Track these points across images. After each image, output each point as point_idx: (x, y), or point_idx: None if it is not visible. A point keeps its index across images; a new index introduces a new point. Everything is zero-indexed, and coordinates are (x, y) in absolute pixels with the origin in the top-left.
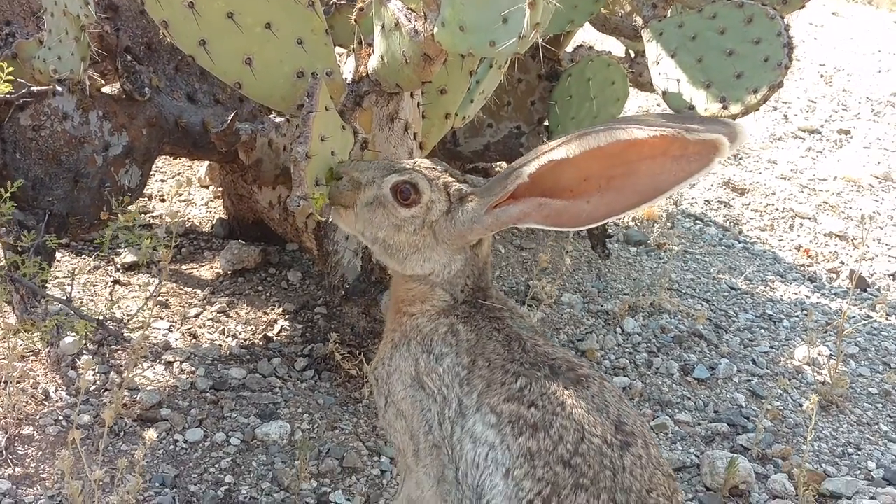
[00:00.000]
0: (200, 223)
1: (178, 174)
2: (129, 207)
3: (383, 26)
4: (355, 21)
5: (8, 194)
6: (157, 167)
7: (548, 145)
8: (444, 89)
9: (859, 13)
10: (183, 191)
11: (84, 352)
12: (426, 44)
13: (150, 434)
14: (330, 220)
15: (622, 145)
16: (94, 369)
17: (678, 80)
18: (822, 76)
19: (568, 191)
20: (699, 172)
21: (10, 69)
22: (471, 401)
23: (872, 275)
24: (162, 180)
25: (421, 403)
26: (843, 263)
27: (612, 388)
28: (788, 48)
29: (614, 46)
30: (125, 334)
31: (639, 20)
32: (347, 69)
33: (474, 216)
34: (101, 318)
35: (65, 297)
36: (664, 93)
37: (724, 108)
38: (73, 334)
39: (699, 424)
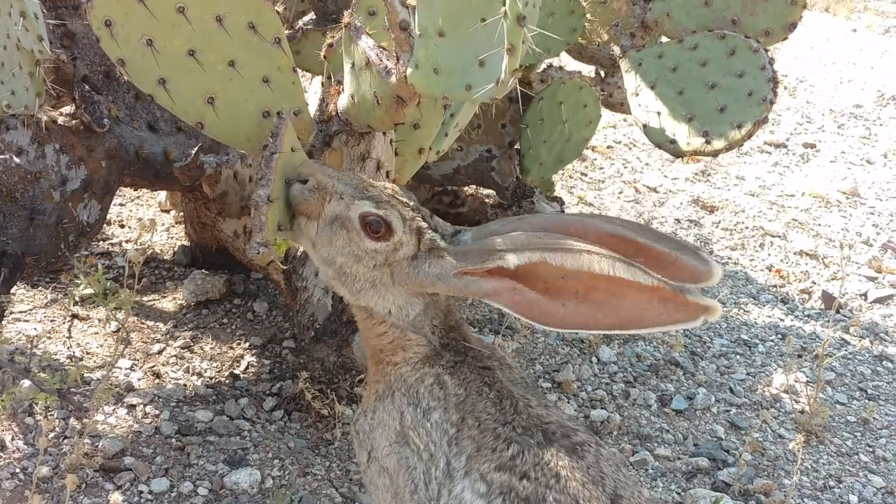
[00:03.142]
0: (161, 250)
1: (138, 198)
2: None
3: (353, 64)
4: (324, 58)
5: None
6: (116, 192)
7: (544, 239)
8: (418, 124)
9: (817, 21)
10: (146, 232)
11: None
12: (399, 86)
13: (116, 497)
14: (292, 260)
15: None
16: (52, 414)
17: (658, 113)
18: (785, 87)
19: (541, 282)
20: (682, 324)
21: None
22: (459, 463)
23: (844, 294)
24: (121, 204)
25: (407, 461)
26: (815, 283)
27: (609, 455)
28: (773, 82)
29: (583, 66)
30: (85, 375)
31: (616, 50)
32: (313, 90)
33: (441, 274)
34: (63, 387)
35: (23, 367)
36: (645, 126)
37: (707, 142)
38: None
39: (679, 459)
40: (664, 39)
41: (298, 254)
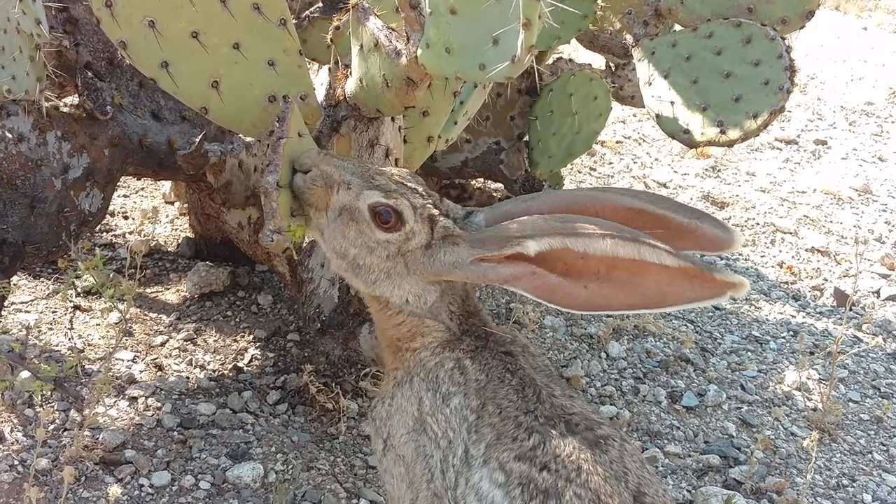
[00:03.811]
0: (166, 242)
1: (142, 189)
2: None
3: (361, 46)
4: (331, 41)
5: None
6: (119, 181)
7: (563, 222)
8: (427, 111)
9: (828, 19)
10: (149, 222)
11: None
12: (409, 67)
13: (115, 491)
14: (304, 248)
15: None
16: (52, 406)
17: (672, 103)
18: (796, 84)
19: (561, 263)
20: (708, 300)
21: None
22: (478, 451)
23: (856, 292)
24: (125, 195)
25: (424, 449)
26: (827, 280)
27: (633, 450)
28: (790, 71)
29: (594, 58)
30: (87, 366)
31: (629, 38)
32: (319, 81)
33: (457, 262)
34: (59, 375)
35: (19, 354)
36: (658, 116)
37: (722, 132)
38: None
39: (690, 456)
40: (678, 28)
41: (304, 245)
